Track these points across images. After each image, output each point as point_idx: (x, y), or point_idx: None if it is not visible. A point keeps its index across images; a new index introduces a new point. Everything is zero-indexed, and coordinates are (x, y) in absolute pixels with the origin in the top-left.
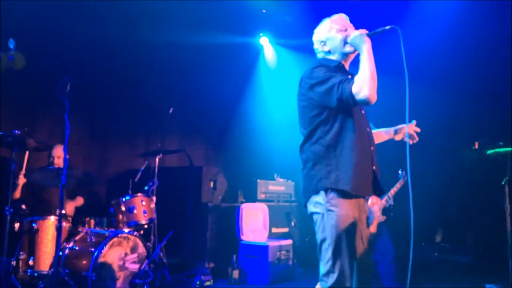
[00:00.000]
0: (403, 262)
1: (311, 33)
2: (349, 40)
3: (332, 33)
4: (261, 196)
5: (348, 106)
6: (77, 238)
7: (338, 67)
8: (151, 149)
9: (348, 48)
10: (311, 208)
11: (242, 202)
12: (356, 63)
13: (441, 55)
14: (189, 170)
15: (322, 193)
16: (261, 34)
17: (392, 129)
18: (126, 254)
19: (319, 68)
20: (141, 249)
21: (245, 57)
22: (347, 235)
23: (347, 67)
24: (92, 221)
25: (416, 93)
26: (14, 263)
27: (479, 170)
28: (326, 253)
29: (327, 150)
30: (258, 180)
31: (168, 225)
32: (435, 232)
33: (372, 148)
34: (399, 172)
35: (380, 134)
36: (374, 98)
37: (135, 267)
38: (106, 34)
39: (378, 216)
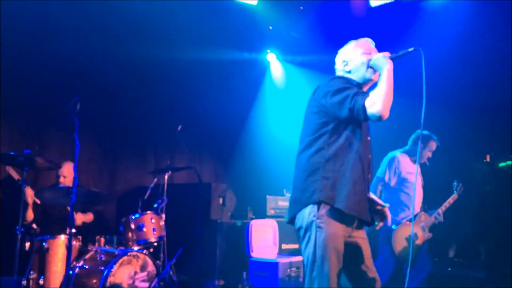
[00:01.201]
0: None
1: (318, 49)
2: (371, 62)
3: (355, 54)
4: (270, 212)
5: (359, 119)
6: (87, 256)
7: (357, 86)
8: (160, 166)
9: (369, 72)
10: (299, 222)
11: (251, 219)
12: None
13: (451, 67)
14: (198, 187)
15: (313, 207)
16: (268, 51)
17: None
18: (135, 273)
19: (339, 79)
20: (151, 267)
21: (252, 73)
22: (334, 255)
23: (365, 90)
24: (102, 239)
25: (426, 106)
26: (24, 282)
27: (491, 183)
28: (311, 272)
29: (327, 163)
30: (268, 196)
31: (177, 243)
32: (448, 247)
33: (369, 175)
34: (454, 183)
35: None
36: (386, 115)
37: (145, 285)
38: (115, 52)
39: (425, 234)
